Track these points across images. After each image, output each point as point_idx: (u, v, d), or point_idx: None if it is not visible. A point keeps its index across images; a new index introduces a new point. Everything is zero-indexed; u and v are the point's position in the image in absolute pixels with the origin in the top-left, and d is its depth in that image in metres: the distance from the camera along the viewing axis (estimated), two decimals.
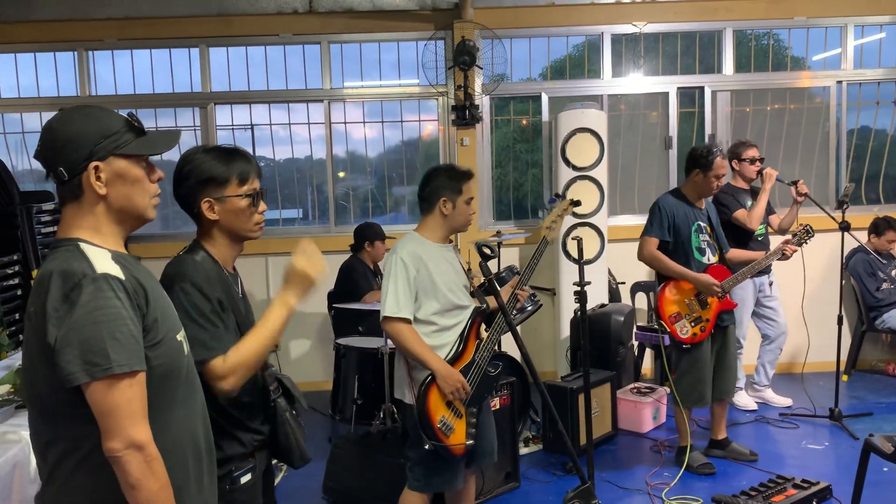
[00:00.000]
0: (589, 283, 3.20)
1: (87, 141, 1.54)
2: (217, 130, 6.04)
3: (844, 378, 5.77)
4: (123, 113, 1.63)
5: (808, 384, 5.45)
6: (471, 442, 2.85)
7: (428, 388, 2.79)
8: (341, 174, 6.25)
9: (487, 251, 2.73)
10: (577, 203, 3.16)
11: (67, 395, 1.47)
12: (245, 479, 2.02)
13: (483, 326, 3.01)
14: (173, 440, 1.61)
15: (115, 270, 1.51)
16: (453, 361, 2.86)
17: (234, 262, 2.17)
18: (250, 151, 6.04)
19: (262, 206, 2.10)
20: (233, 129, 6.12)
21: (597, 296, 5.41)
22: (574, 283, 3.10)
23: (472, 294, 3.01)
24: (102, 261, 1.51)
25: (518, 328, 5.55)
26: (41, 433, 1.57)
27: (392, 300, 2.79)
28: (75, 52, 5.91)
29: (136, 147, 1.59)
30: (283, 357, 6.00)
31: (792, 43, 6.21)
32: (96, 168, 1.54)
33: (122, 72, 6.01)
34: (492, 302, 3.04)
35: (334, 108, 6.06)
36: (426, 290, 2.83)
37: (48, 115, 6.37)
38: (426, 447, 2.75)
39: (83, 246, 1.53)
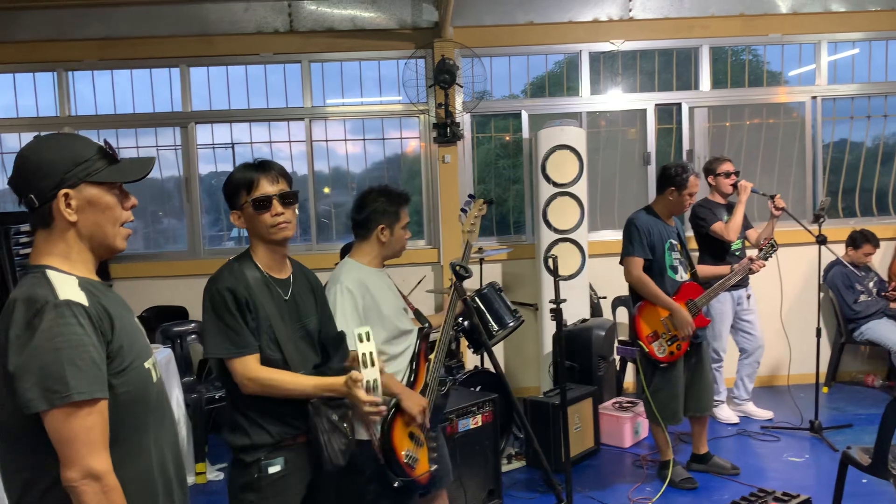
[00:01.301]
0: (565, 300, 3.20)
1: (57, 168, 1.54)
2: (198, 149, 6.04)
3: (825, 390, 5.82)
4: (99, 140, 1.64)
5: (789, 396, 5.49)
6: (435, 466, 2.77)
7: (391, 423, 2.65)
8: (326, 190, 6.26)
9: (462, 271, 2.67)
10: (490, 202, 3.11)
11: (29, 424, 1.45)
12: (273, 469, 2.18)
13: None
14: (141, 468, 1.61)
15: (79, 297, 1.50)
16: (410, 387, 2.75)
17: (281, 266, 2.32)
18: (231, 169, 6.06)
19: (276, 207, 2.23)
20: (213, 147, 6.12)
21: (578, 311, 5.43)
22: (550, 301, 3.10)
23: (413, 315, 2.96)
24: (67, 287, 1.50)
25: (500, 344, 5.60)
26: (6, 462, 1.56)
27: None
28: (55, 73, 5.89)
29: (107, 175, 1.59)
30: None
31: (768, 58, 6.31)
32: (66, 195, 1.54)
33: (102, 92, 6.00)
34: (434, 321, 3.00)
35: (316, 126, 6.08)
36: (373, 318, 2.70)
37: (27, 136, 6.32)
38: (395, 485, 2.62)
39: (49, 273, 1.52)
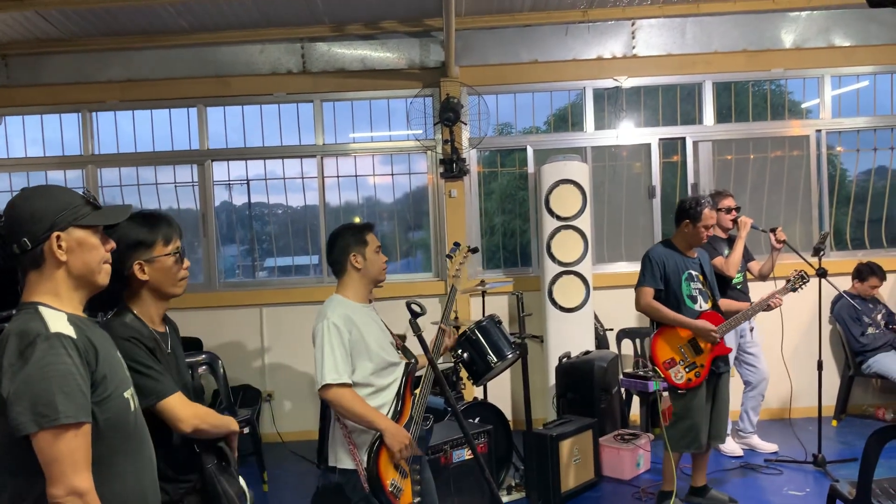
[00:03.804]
0: (527, 335, 3.23)
1: (49, 213, 1.71)
2: (214, 186, 6.25)
3: (834, 423, 5.78)
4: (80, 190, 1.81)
5: (797, 429, 5.46)
6: (418, 499, 2.84)
7: (378, 452, 2.73)
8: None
9: (416, 308, 2.75)
10: (474, 250, 3.22)
11: (17, 446, 1.59)
12: None
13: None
14: (120, 491, 1.73)
15: (69, 330, 1.65)
16: (395, 420, 2.84)
17: (161, 319, 2.31)
18: (246, 202, 6.26)
19: (186, 262, 2.29)
20: (229, 183, 6.33)
21: (583, 343, 5.49)
22: (521, 338, 3.17)
23: (400, 350, 3.03)
24: (57, 322, 1.65)
25: (507, 375, 5.64)
26: None
27: (330, 366, 2.74)
28: (79, 114, 6.18)
29: (93, 218, 1.77)
30: (277, 406, 6.09)
31: (774, 92, 6.37)
32: (58, 237, 1.70)
33: (123, 131, 6.27)
34: (422, 358, 3.06)
35: (328, 161, 6.26)
36: (360, 351, 2.80)
37: (54, 173, 6.52)
38: None
39: (41, 309, 1.68)
